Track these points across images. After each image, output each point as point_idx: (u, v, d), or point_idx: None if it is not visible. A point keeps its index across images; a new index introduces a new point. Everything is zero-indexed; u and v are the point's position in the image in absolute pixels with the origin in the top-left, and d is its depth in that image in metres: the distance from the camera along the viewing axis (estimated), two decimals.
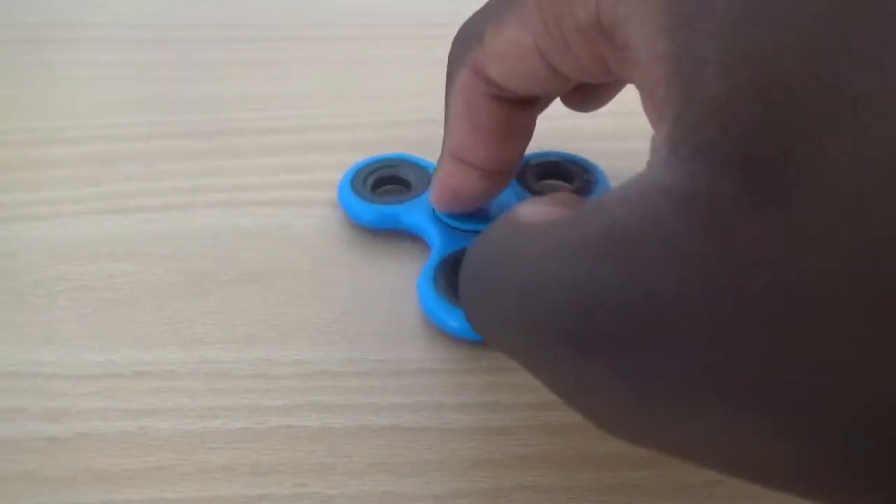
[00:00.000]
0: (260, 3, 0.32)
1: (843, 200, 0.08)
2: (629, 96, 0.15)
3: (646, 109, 0.10)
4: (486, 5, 0.15)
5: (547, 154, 0.22)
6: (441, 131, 0.17)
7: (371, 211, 0.20)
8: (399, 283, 0.19)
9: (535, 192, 0.21)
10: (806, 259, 0.08)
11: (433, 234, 0.19)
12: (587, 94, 0.18)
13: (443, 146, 0.17)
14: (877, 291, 0.08)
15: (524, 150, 0.18)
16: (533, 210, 0.12)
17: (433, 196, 0.19)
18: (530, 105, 0.17)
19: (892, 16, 0.08)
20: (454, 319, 0.17)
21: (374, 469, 0.16)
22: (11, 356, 0.18)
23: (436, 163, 0.18)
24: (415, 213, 0.20)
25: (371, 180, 0.21)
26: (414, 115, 0.25)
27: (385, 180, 0.22)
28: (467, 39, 0.15)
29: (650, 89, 0.10)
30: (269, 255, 0.20)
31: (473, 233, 0.19)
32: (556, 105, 0.19)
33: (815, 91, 0.08)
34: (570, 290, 0.10)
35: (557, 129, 0.22)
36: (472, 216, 0.19)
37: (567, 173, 0.22)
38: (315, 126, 0.25)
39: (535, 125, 0.17)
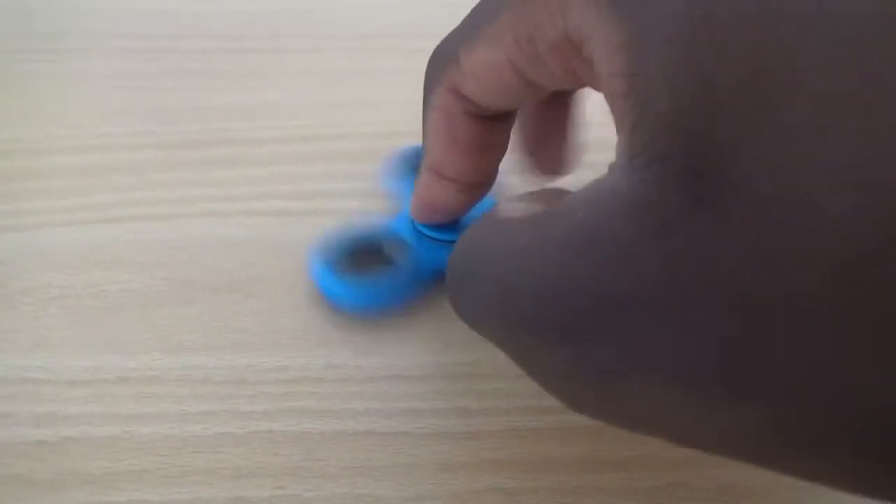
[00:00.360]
0: (254, 14, 0.33)
1: (769, 207, 0.09)
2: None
3: (613, 117, 0.11)
4: (459, 28, 0.16)
5: None
6: None
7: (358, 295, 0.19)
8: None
9: None
10: (738, 258, 0.09)
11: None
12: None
13: (422, 161, 0.18)
14: (799, 289, 0.09)
15: (500, 163, 0.18)
16: (512, 206, 0.13)
17: (412, 208, 0.19)
18: (505, 120, 0.17)
19: (810, 48, 0.09)
20: None
21: (349, 472, 0.16)
22: (1, 362, 0.18)
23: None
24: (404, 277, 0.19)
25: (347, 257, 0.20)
26: (407, 126, 0.25)
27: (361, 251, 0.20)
28: (443, 61, 0.16)
29: (612, 101, 0.11)
30: (254, 265, 0.21)
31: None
32: None
33: (747, 108, 0.09)
34: (537, 286, 0.11)
35: None
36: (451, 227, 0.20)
37: None
38: (306, 136, 0.26)
39: (509, 139, 0.18)
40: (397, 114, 0.26)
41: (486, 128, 0.17)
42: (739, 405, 0.09)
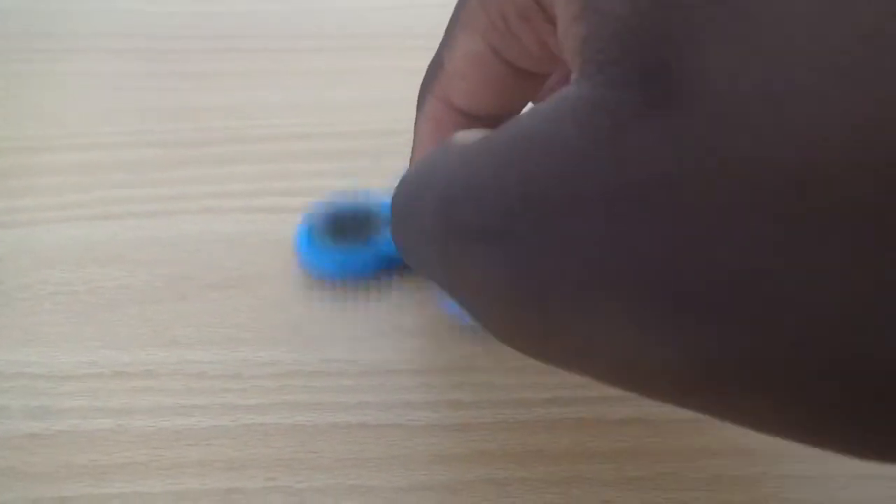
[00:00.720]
0: (249, 16, 0.33)
1: (724, 105, 0.08)
2: None
3: (568, 54, 0.11)
4: (443, 37, 0.16)
5: None
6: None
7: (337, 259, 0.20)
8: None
9: None
10: (695, 160, 0.08)
11: None
12: None
13: (409, 166, 0.18)
14: (751, 189, 0.08)
15: None
16: (468, 133, 0.13)
17: None
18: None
19: None
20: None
21: (342, 464, 0.16)
22: None
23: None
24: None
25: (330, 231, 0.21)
26: (404, 124, 0.26)
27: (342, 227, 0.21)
28: (432, 70, 0.16)
29: (566, 32, 0.11)
30: (249, 261, 0.21)
31: None
32: None
33: (703, 4, 0.09)
34: (476, 192, 0.11)
35: None
36: None
37: None
38: (299, 135, 0.26)
39: None
40: (394, 112, 0.26)
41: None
42: (685, 324, 0.09)
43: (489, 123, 0.17)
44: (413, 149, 0.18)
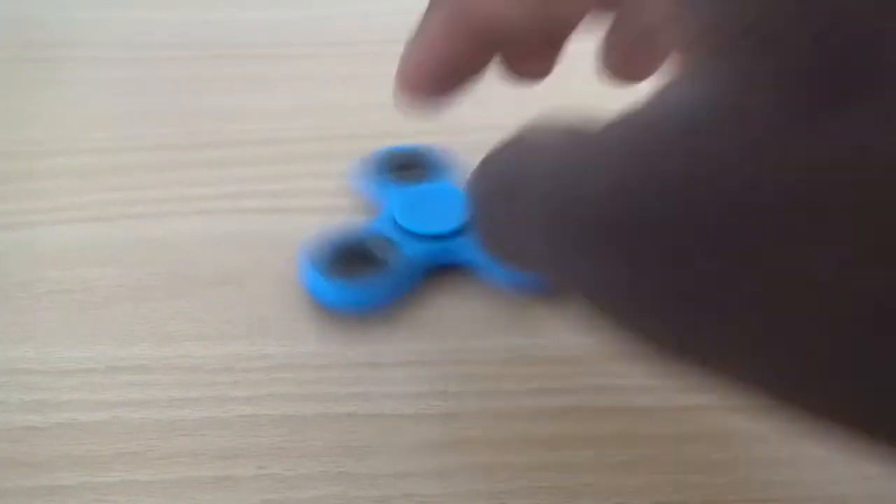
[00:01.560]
0: (244, 22, 0.34)
1: None
2: None
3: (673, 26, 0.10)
4: None
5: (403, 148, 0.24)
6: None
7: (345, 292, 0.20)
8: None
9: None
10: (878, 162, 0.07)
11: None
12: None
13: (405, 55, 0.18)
14: None
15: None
16: (542, 135, 0.12)
17: (397, 79, 0.18)
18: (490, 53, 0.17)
19: None
20: None
21: (330, 452, 0.17)
22: None
23: None
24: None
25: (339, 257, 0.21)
26: (396, 127, 0.26)
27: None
28: None
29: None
30: (240, 260, 0.22)
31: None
32: None
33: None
34: (599, 186, 0.10)
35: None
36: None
37: (420, 162, 0.23)
38: (291, 139, 0.26)
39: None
40: (386, 116, 0.27)
41: (476, 52, 0.17)
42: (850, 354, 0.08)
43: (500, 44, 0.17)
44: (414, 40, 0.17)
